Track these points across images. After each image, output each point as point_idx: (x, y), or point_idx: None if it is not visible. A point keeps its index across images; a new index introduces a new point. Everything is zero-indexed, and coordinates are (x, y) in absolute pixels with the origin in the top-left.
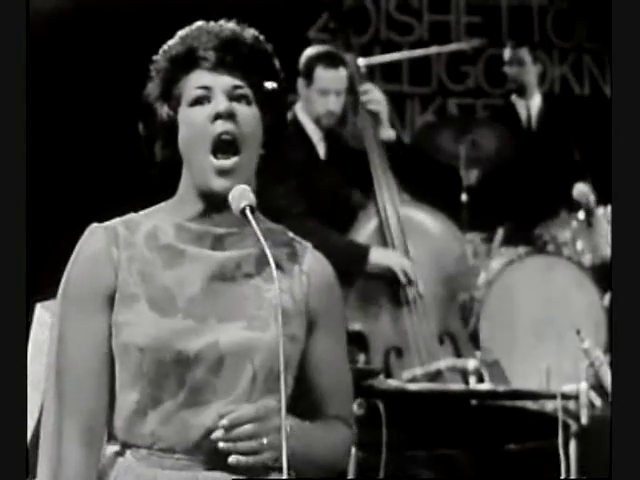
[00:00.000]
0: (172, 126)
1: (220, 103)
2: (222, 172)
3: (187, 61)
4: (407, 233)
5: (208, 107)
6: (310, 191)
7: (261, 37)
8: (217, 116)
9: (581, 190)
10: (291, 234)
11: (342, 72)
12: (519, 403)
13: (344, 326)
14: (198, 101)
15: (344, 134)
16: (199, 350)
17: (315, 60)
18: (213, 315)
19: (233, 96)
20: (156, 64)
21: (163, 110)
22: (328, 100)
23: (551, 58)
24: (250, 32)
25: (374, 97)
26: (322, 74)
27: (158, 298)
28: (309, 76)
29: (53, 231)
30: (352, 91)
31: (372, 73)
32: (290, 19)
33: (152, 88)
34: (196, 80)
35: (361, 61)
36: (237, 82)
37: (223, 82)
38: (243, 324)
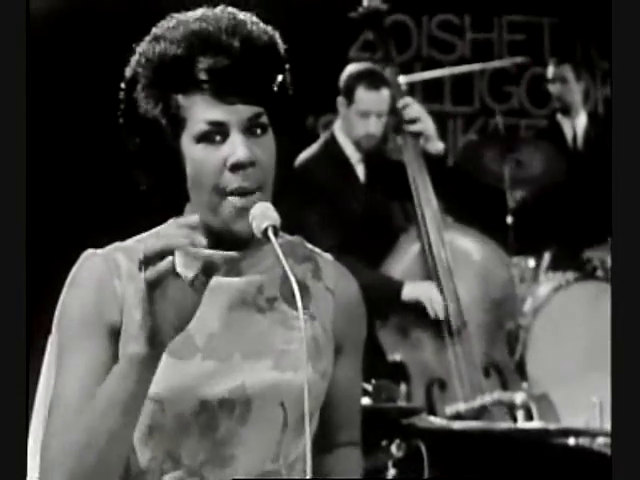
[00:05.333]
0: (177, 155)
1: (238, 148)
2: (244, 211)
3: (183, 78)
4: (451, 258)
5: (221, 149)
6: (349, 214)
7: (269, 30)
8: (236, 167)
9: None
10: (310, 246)
11: (384, 93)
12: (571, 441)
13: (363, 346)
14: (206, 137)
15: (385, 151)
16: (224, 396)
17: (356, 79)
18: (237, 351)
19: (250, 129)
20: (145, 64)
21: (167, 132)
22: (369, 122)
23: (594, 79)
24: (258, 31)
25: (414, 115)
26: (363, 95)
27: None
28: (350, 96)
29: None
30: (394, 111)
31: (413, 91)
32: (330, 38)
33: (149, 102)
34: (203, 111)
35: (402, 79)
36: (255, 110)
37: (239, 116)
38: (271, 362)
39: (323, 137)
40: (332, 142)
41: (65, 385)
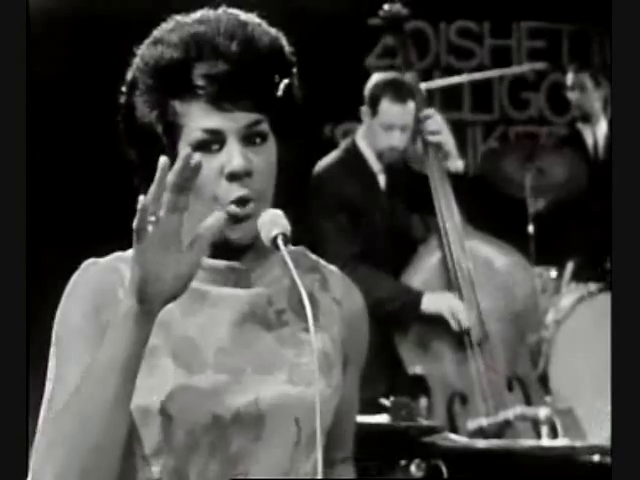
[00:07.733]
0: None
1: (234, 157)
2: (238, 220)
3: (180, 83)
4: (473, 267)
5: (217, 158)
6: (369, 223)
7: (272, 31)
8: (232, 176)
9: None
10: (314, 256)
11: (409, 106)
12: (596, 458)
13: (364, 360)
14: (203, 146)
15: (406, 160)
16: (237, 411)
17: (382, 90)
18: (248, 365)
19: (249, 138)
20: (143, 68)
21: (163, 139)
22: (392, 135)
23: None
24: (259, 33)
25: (436, 127)
26: (388, 108)
27: (182, 351)
28: (374, 106)
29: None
30: (416, 119)
31: (432, 100)
32: (348, 45)
33: (145, 108)
34: (199, 119)
35: (422, 86)
36: (253, 117)
37: (236, 124)
38: (285, 376)
39: (344, 144)
40: (354, 150)
41: (60, 391)
